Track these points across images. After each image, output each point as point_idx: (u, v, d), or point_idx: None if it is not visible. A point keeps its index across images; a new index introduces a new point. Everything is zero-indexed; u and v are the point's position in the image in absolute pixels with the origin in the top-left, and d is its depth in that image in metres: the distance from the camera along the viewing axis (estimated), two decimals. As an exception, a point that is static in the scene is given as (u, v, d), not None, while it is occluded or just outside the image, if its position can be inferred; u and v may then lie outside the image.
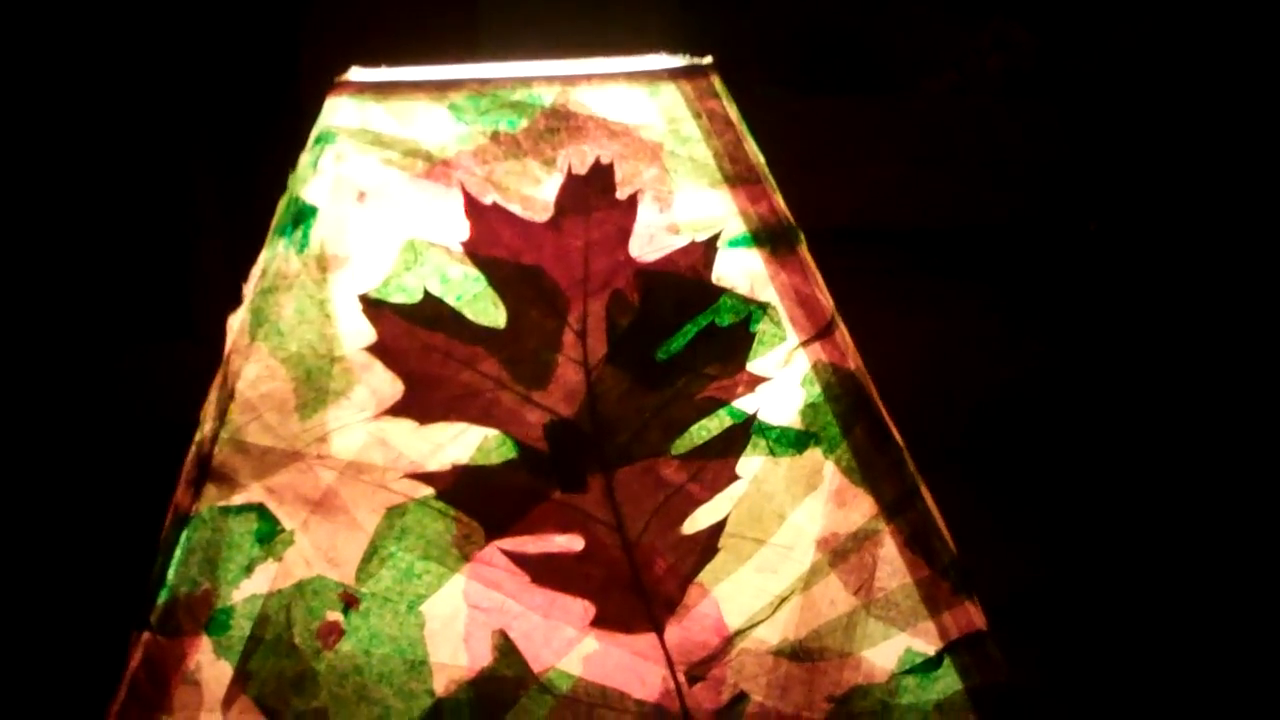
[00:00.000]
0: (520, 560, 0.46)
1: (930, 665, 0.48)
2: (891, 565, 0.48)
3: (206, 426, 0.47)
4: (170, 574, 0.46)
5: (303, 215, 0.48)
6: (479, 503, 0.46)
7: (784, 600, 0.47)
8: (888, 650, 0.48)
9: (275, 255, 0.48)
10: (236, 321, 0.48)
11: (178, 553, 0.46)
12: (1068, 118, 0.79)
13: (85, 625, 0.48)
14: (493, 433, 0.47)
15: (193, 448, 0.47)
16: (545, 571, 0.46)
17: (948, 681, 0.48)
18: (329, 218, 0.48)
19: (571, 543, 0.47)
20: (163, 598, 0.46)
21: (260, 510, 0.46)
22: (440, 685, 0.46)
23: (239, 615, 0.45)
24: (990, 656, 0.48)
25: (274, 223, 0.49)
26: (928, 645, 0.48)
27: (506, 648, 0.46)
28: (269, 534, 0.46)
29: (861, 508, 0.48)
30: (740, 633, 0.47)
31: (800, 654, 0.47)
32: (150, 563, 0.47)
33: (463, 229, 0.48)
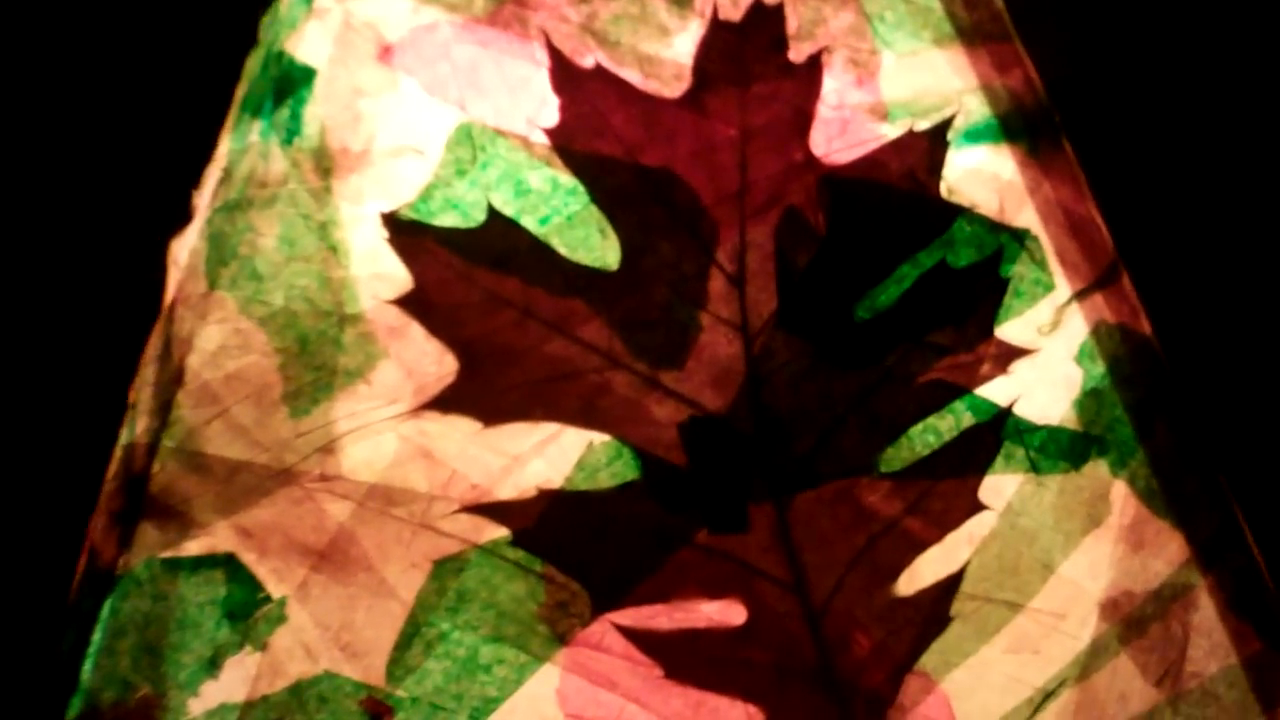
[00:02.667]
0: (648, 643, 0.32)
1: None
2: (1210, 639, 0.34)
3: (139, 425, 0.32)
4: (86, 670, 0.31)
5: (291, 83, 0.32)
6: (581, 552, 0.32)
7: (1049, 696, 0.33)
8: None
9: (248, 149, 0.32)
10: (183, 253, 0.32)
11: (97, 635, 0.31)
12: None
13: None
14: (601, 438, 0.32)
15: (116, 457, 0.32)
16: (687, 660, 0.32)
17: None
18: (334, 88, 0.32)
19: (727, 613, 0.33)
20: (74, 710, 0.31)
21: (230, 565, 0.31)
22: None
23: None
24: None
25: (240, 93, 0.33)
26: None
27: None
28: (246, 605, 0.31)
29: (1167, 551, 0.34)
30: None
31: None
32: (51, 647, 0.32)
33: (549, 109, 0.32)
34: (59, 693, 0.32)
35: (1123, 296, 0.36)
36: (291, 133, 0.33)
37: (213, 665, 0.32)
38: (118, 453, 0.33)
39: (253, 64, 0.34)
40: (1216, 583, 0.36)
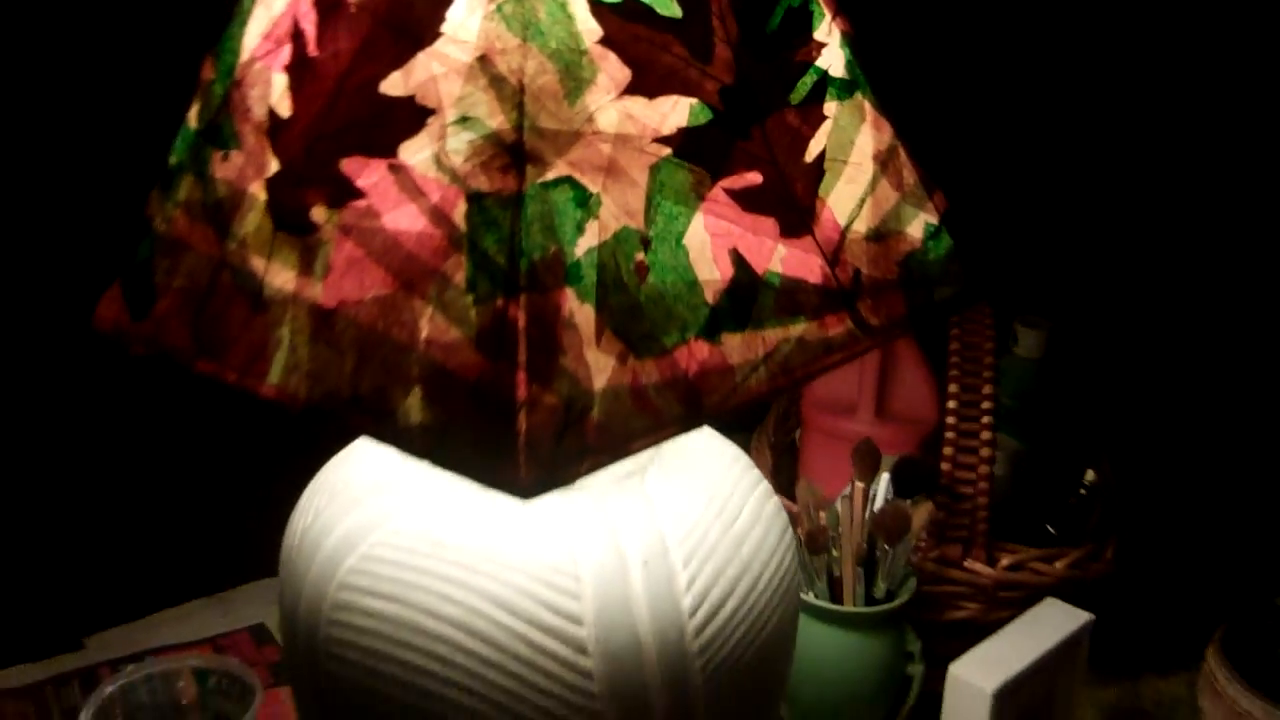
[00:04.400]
0: (735, 194, 0.70)
1: (937, 231, 0.80)
2: (908, 167, 0.79)
3: (500, 118, 0.63)
4: (524, 243, 0.62)
5: None
6: (703, 155, 0.69)
7: (863, 201, 0.77)
8: (916, 225, 0.80)
9: None
10: (486, 25, 0.63)
11: (523, 225, 0.62)
12: None
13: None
14: (695, 101, 0.69)
15: (482, 140, 0.63)
16: (749, 200, 0.71)
17: (945, 241, 0.81)
18: None
19: (754, 178, 0.71)
20: (524, 265, 0.62)
21: (571, 181, 0.65)
22: (710, 297, 0.69)
23: (585, 266, 0.64)
24: (954, 222, 0.82)
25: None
26: (933, 218, 0.80)
27: (740, 260, 0.70)
28: (584, 198, 0.65)
29: (886, 130, 0.79)
30: (847, 228, 0.76)
31: (878, 235, 0.77)
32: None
33: None
34: (514, 258, 0.62)
35: (844, 16, 0.79)
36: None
37: (580, 229, 0.64)
38: (473, 140, 0.63)
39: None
40: (903, 143, 0.80)
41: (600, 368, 0.64)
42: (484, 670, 0.75)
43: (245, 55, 0.75)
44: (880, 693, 1.18)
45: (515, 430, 0.62)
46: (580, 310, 0.64)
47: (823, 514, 1.16)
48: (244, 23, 0.76)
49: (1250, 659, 1.14)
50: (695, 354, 0.68)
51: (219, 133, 0.75)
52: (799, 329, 0.73)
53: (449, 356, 0.64)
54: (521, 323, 0.63)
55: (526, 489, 0.62)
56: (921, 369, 1.38)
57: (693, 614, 0.78)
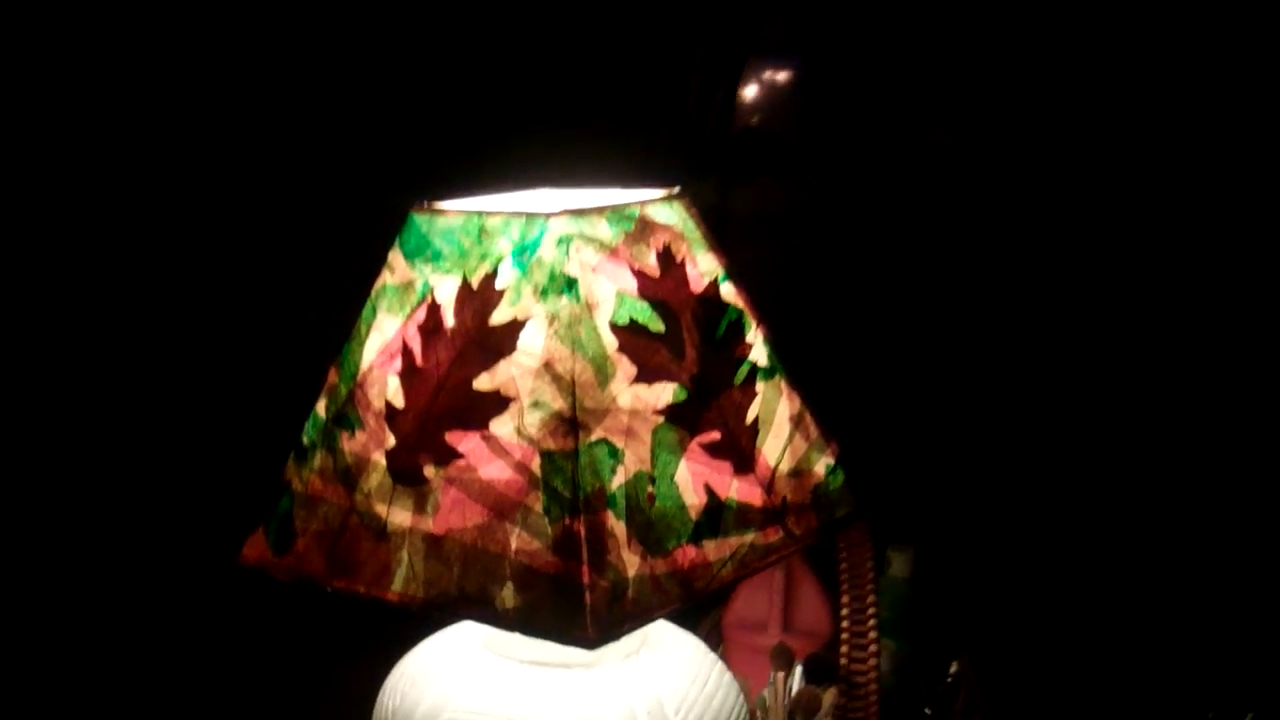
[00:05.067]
0: (704, 446, 1.07)
1: (834, 469, 1.17)
2: (812, 425, 1.17)
3: (560, 402, 0.99)
4: (580, 481, 0.97)
5: (571, 282, 1.02)
6: (683, 421, 1.06)
7: (785, 450, 1.14)
8: (820, 465, 1.17)
9: (563, 306, 1.01)
10: (548, 343, 1.00)
11: (579, 470, 0.97)
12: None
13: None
14: (676, 385, 1.06)
15: (548, 417, 0.99)
16: (713, 450, 1.08)
17: (840, 475, 1.18)
18: (583, 282, 1.02)
19: (716, 435, 1.08)
20: (581, 496, 0.97)
21: (605, 442, 1.00)
22: (694, 515, 1.04)
23: (618, 496, 0.99)
24: (847, 466, 1.19)
25: (545, 288, 1.01)
26: (831, 460, 1.17)
27: (710, 491, 1.06)
28: (614, 452, 1.00)
29: (796, 400, 1.17)
30: (775, 468, 1.12)
31: (797, 473, 1.14)
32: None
33: (634, 283, 1.06)
34: (575, 493, 0.96)
35: (766, 327, 1.17)
36: (577, 298, 1.01)
37: (613, 472, 0.99)
38: (545, 417, 0.98)
39: (543, 277, 1.01)
40: (808, 407, 1.17)
41: (631, 563, 0.98)
42: (540, 795, 1.05)
43: (365, 365, 1.09)
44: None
45: (583, 604, 0.95)
46: (617, 525, 0.98)
47: (752, 702, 1.49)
48: (362, 342, 1.11)
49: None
50: (687, 554, 1.03)
51: (345, 419, 1.09)
52: (750, 537, 1.08)
53: (533, 559, 0.97)
54: (583, 534, 0.96)
55: (591, 643, 0.94)
56: (817, 592, 1.73)
57: (684, 750, 1.10)
